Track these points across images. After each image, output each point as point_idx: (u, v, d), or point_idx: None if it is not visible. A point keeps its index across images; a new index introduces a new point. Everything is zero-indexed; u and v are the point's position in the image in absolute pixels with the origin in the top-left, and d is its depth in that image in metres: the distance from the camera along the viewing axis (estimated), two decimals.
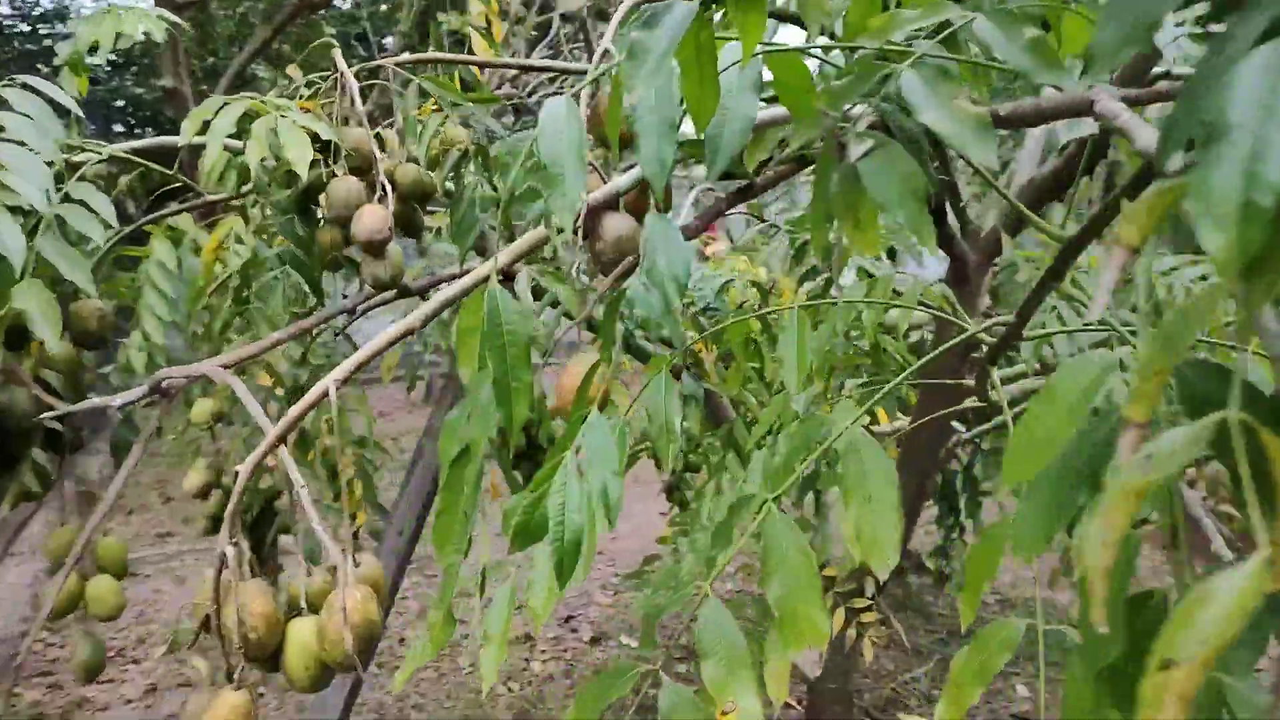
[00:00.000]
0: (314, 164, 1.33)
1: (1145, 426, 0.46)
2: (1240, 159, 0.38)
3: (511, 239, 1.75)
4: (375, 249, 1.37)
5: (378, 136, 1.48)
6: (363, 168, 1.45)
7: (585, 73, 1.57)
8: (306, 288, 1.46)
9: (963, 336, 1.03)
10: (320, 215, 1.55)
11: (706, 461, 2.58)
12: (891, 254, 2.24)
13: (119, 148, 1.46)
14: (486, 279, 1.01)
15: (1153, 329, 0.45)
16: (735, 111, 0.79)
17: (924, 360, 1.07)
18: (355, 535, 2.32)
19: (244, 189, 1.59)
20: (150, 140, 1.41)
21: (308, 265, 1.48)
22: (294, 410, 0.95)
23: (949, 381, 1.54)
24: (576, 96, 0.80)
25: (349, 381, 1.72)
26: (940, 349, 1.11)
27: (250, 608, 0.93)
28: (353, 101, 1.40)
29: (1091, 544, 0.44)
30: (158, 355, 1.64)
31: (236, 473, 2.30)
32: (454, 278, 1.83)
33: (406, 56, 1.59)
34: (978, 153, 0.60)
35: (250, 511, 2.17)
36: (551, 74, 1.98)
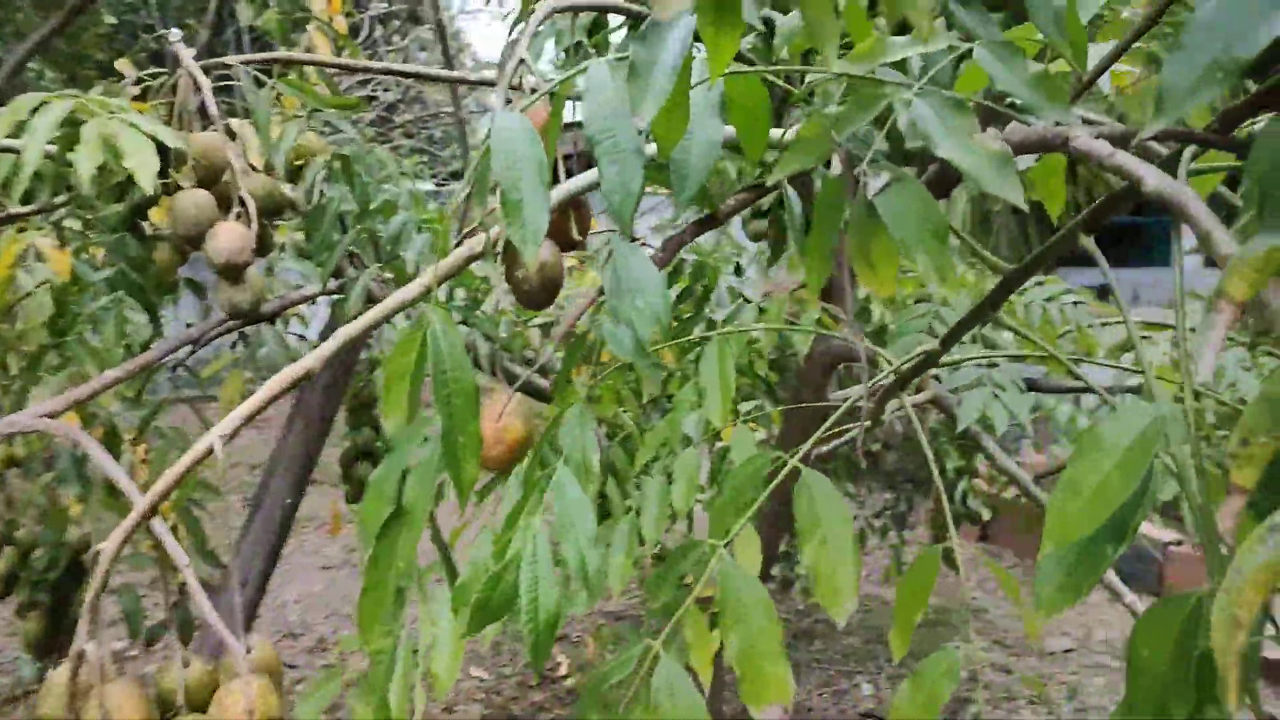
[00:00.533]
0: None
1: (1249, 492, 0.44)
2: None
3: (378, 257, 1.61)
4: (234, 272, 1.20)
5: (230, 135, 1.30)
6: (210, 178, 1.27)
7: (486, 82, 1.46)
8: (144, 315, 1.27)
9: (892, 369, 1.01)
10: (152, 232, 1.36)
11: None
12: (738, 269, 2.26)
13: None
14: (401, 307, 0.90)
15: (1258, 397, 0.43)
16: (701, 135, 0.73)
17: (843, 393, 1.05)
18: (181, 590, 2.06)
19: (56, 200, 1.36)
20: None
21: (143, 289, 1.28)
22: (170, 474, 0.79)
23: (835, 403, 1.54)
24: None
25: (182, 401, 1.51)
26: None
27: (120, 715, 0.77)
28: (203, 103, 1.22)
29: (1222, 624, 0.41)
30: None
31: (32, 534, 1.99)
32: (306, 299, 1.66)
33: (260, 56, 1.42)
34: (1001, 189, 0.57)
35: (53, 569, 1.88)
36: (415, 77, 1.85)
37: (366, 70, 1.53)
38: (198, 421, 1.67)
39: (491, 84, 1.47)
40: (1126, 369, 1.40)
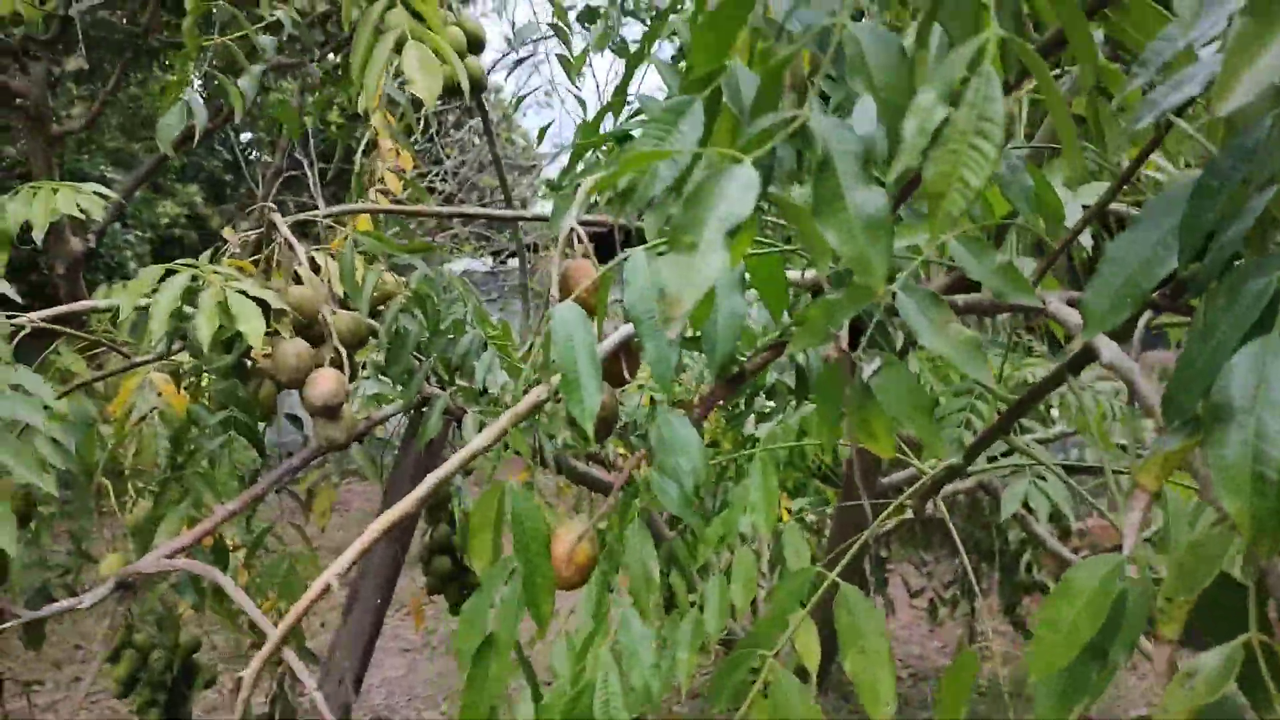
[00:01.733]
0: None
1: (1174, 644, 0.54)
2: (1247, 440, 0.47)
3: (450, 375, 1.76)
4: (331, 413, 1.36)
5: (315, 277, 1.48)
6: (305, 324, 1.45)
7: (541, 217, 1.62)
8: (251, 450, 1.44)
9: (926, 479, 1.12)
10: (253, 368, 1.53)
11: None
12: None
13: (42, 315, 1.41)
14: (480, 452, 1.04)
15: (1176, 564, 0.53)
16: (726, 309, 0.86)
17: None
18: (281, 685, 2.21)
19: (174, 350, 1.55)
20: (70, 306, 1.37)
21: (251, 429, 1.45)
22: (296, 609, 0.94)
23: (883, 500, 1.64)
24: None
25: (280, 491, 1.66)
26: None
27: None
28: (299, 263, 1.40)
29: None
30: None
31: (149, 638, 2.16)
32: (386, 419, 1.82)
33: (339, 209, 1.61)
34: (973, 371, 0.68)
35: (170, 670, 2.05)
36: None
37: (437, 214, 1.71)
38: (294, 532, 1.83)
39: (544, 219, 1.64)
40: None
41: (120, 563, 1.99)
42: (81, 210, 1.26)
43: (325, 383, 1.35)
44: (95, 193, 1.29)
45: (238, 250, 1.52)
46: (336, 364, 1.38)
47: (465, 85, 1.37)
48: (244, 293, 1.30)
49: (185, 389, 1.62)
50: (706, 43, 0.70)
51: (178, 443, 1.52)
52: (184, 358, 1.74)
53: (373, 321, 1.69)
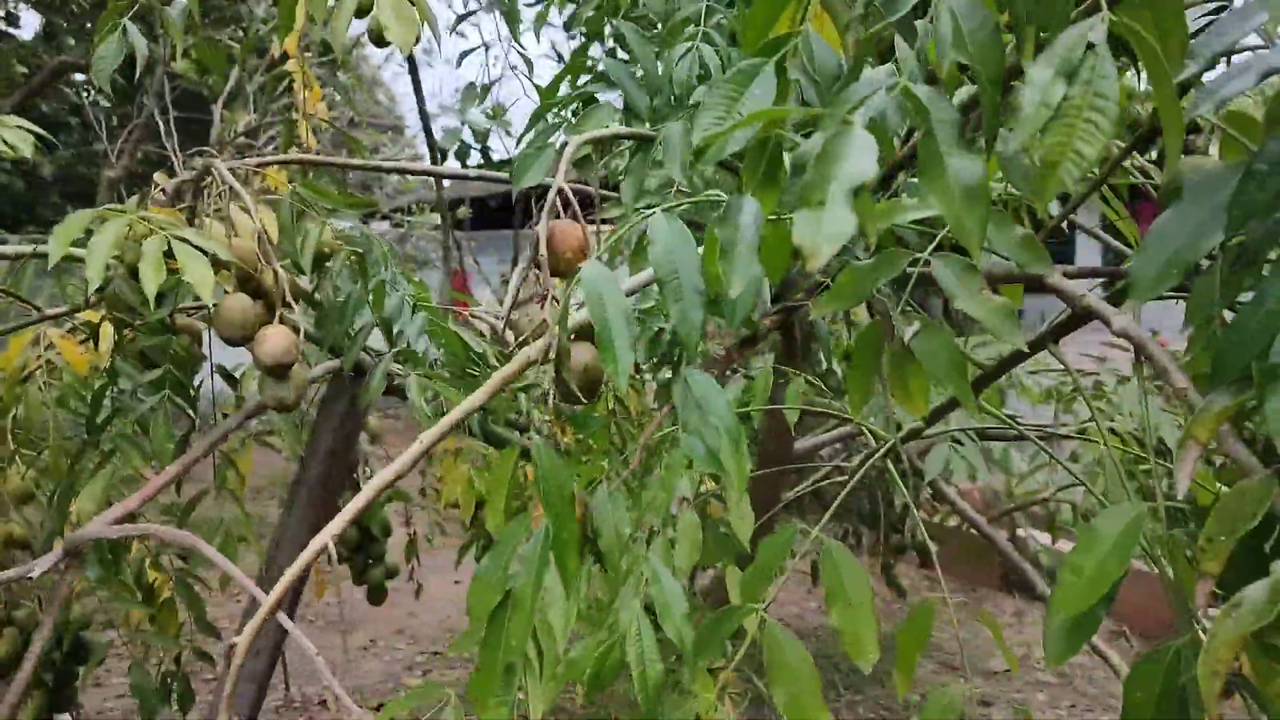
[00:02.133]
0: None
1: (1214, 578, 0.60)
2: None
3: (389, 340, 1.71)
4: (281, 372, 1.30)
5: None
6: (245, 278, 1.37)
7: (496, 178, 1.59)
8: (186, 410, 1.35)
9: (885, 448, 1.18)
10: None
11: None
12: None
13: None
14: (475, 408, 1.03)
15: (1218, 508, 0.59)
16: (744, 274, 0.88)
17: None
18: (177, 660, 2.10)
19: (91, 301, 1.44)
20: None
21: (186, 387, 1.37)
22: (290, 572, 0.90)
23: (816, 462, 1.72)
24: (609, 258, 0.85)
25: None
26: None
27: None
28: (246, 212, 1.33)
29: (1205, 674, 0.57)
30: None
31: (33, 614, 2.02)
32: (320, 381, 1.76)
33: (275, 158, 1.53)
34: (1007, 336, 0.73)
35: (59, 648, 1.91)
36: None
37: (377, 169, 1.64)
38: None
39: (505, 181, 1.61)
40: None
41: (2, 534, 1.83)
42: (9, 146, 1.15)
43: (276, 340, 1.28)
44: (20, 127, 1.17)
45: (163, 197, 1.42)
46: (286, 322, 1.32)
47: (434, 33, 1.32)
48: (188, 242, 1.22)
49: (88, 344, 1.50)
50: (763, 13, 0.72)
51: (95, 403, 1.41)
52: (90, 314, 1.62)
53: (307, 285, 1.62)
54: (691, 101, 1.31)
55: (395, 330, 1.69)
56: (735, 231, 0.73)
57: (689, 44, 1.36)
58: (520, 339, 1.15)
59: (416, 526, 2.92)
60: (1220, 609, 0.57)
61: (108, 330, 1.49)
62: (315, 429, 1.94)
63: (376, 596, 2.67)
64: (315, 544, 0.91)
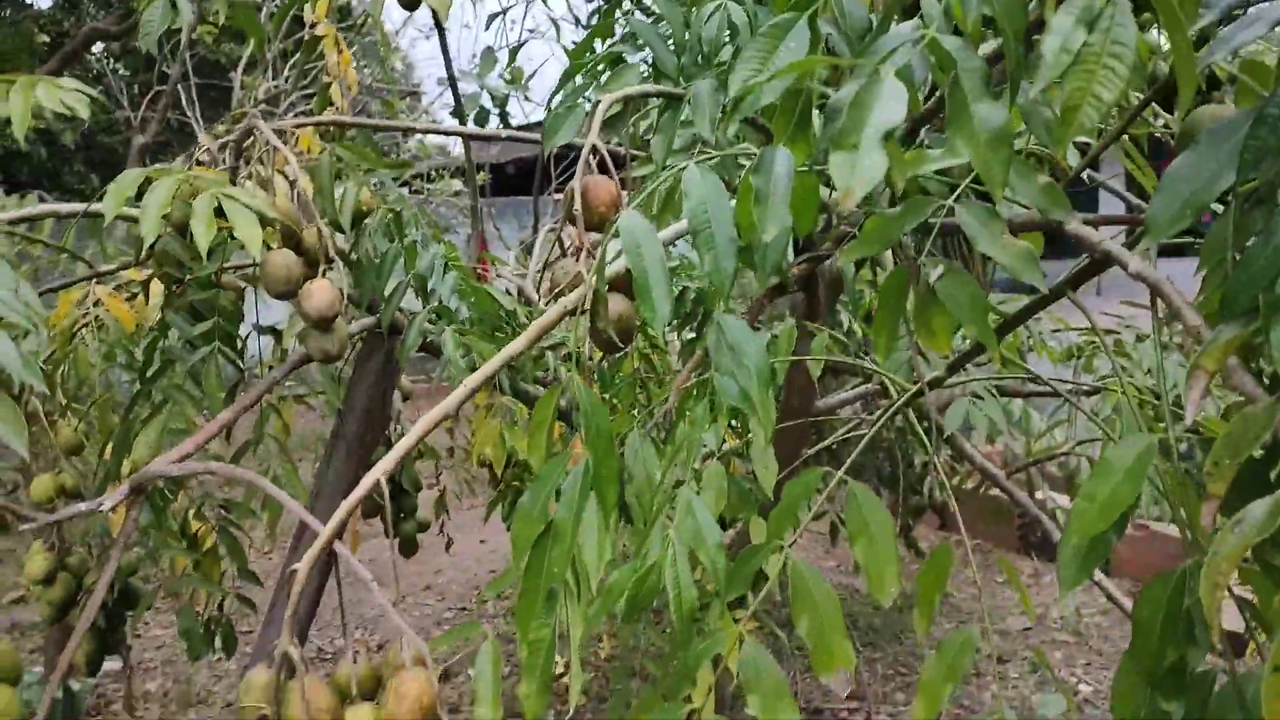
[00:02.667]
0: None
1: (1220, 499, 0.64)
2: None
3: (424, 298, 1.77)
4: (326, 324, 1.36)
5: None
6: (289, 236, 1.42)
7: (528, 139, 1.63)
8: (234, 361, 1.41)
9: (909, 394, 1.22)
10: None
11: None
12: None
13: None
14: (513, 356, 1.08)
15: (1224, 434, 0.63)
16: (775, 224, 0.92)
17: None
18: (220, 605, 2.19)
19: (142, 258, 1.50)
20: (40, 208, 1.31)
21: (233, 339, 1.43)
22: (344, 507, 0.96)
23: (862, 419, 1.76)
24: (651, 215, 0.90)
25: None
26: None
27: (317, 705, 0.93)
28: (288, 173, 1.37)
29: (1207, 587, 0.61)
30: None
31: (83, 559, 2.09)
32: (360, 336, 1.81)
33: (314, 119, 1.57)
34: (1028, 277, 0.77)
35: (110, 592, 1.99)
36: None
37: (411, 130, 1.68)
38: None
39: (534, 141, 1.65)
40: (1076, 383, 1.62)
41: (51, 485, 1.91)
42: (67, 108, 1.19)
43: (322, 293, 1.34)
44: (78, 90, 1.22)
45: (208, 158, 1.47)
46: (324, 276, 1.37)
47: None
48: (236, 199, 1.27)
49: (135, 300, 1.56)
50: None
51: (148, 355, 1.47)
52: (134, 273, 1.68)
53: (342, 243, 1.67)
54: (719, 60, 1.34)
55: (429, 288, 1.74)
56: (769, 179, 0.77)
57: (717, 3, 1.38)
58: (555, 291, 1.20)
59: (446, 484, 3.00)
60: (1223, 525, 0.62)
61: (157, 286, 1.55)
62: (351, 386, 2.00)
63: (408, 549, 2.74)
64: (369, 480, 0.97)
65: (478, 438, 2.02)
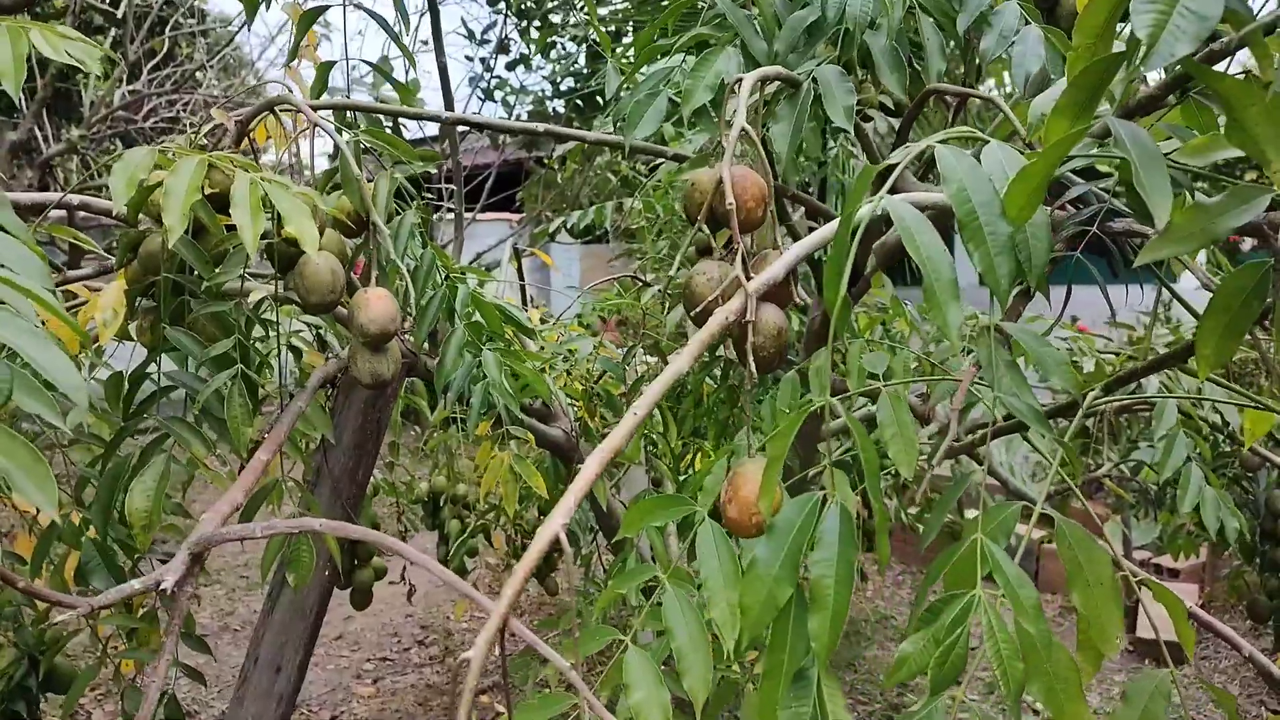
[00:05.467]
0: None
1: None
2: None
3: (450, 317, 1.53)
4: (382, 342, 1.13)
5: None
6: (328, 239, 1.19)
7: (655, 150, 1.43)
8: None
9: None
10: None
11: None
12: None
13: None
14: (675, 378, 0.89)
15: None
16: (1039, 218, 0.79)
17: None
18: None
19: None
20: (37, 196, 1.03)
21: (250, 360, 1.16)
22: (521, 569, 0.74)
23: None
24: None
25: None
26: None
27: None
28: (347, 159, 1.14)
29: None
30: None
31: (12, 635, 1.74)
32: None
33: (332, 101, 1.34)
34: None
35: (34, 674, 1.63)
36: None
37: (434, 119, 1.46)
38: None
39: (615, 144, 1.45)
40: None
41: None
42: (74, 59, 0.93)
43: (381, 305, 1.10)
44: (84, 41, 0.95)
45: (221, 133, 1.21)
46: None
47: None
48: (284, 187, 1.03)
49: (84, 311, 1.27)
50: None
51: (134, 383, 1.19)
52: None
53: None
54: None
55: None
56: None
57: None
58: (699, 301, 1.02)
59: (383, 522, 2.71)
60: None
61: (115, 297, 1.26)
62: (334, 416, 1.73)
63: (361, 600, 2.45)
64: (546, 533, 0.76)
65: (485, 472, 1.78)
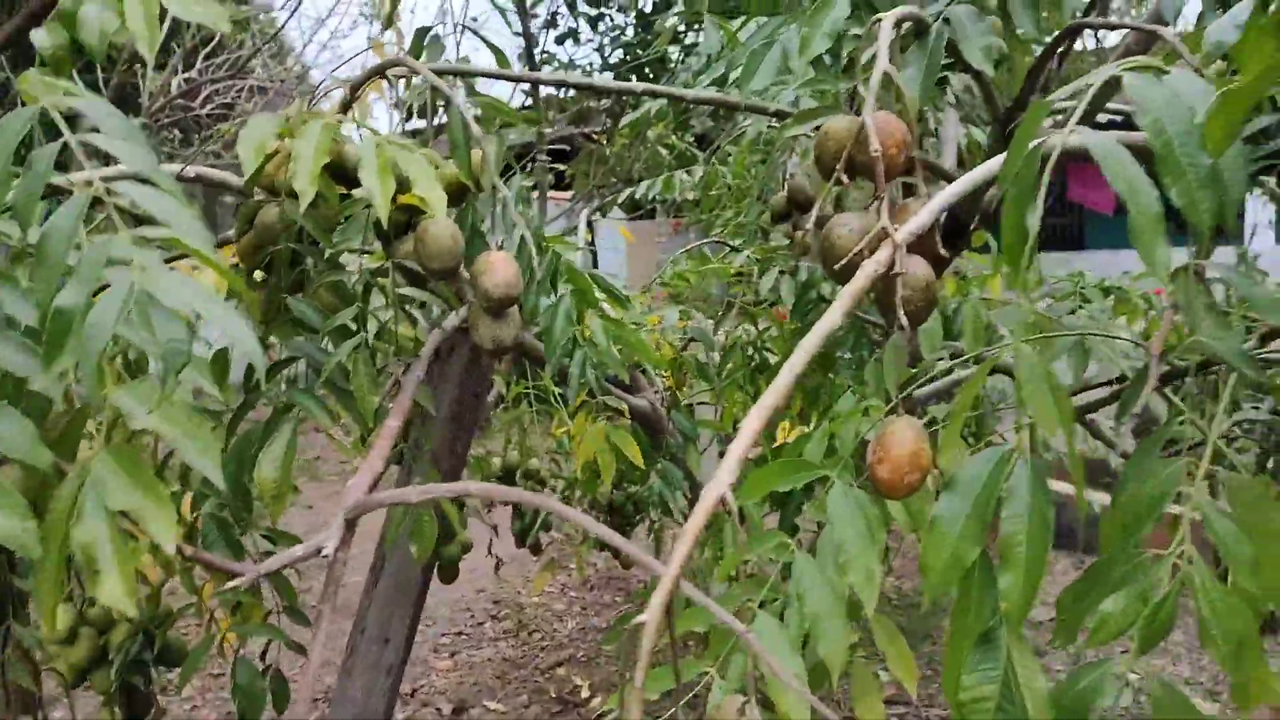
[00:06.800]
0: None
1: None
2: None
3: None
4: (505, 306, 1.11)
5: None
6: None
7: (761, 109, 1.39)
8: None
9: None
10: None
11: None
12: None
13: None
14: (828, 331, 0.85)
15: None
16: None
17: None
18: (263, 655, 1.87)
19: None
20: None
21: (393, 334, 1.16)
22: (690, 531, 0.72)
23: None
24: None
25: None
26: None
27: None
28: (465, 126, 1.11)
29: None
30: None
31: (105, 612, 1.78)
32: None
33: (451, 66, 1.32)
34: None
35: (149, 647, 1.66)
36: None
37: (540, 81, 1.44)
38: None
39: (763, 110, 1.41)
40: None
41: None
42: (204, 18, 0.91)
43: (505, 268, 1.08)
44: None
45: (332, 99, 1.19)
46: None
47: None
48: (413, 150, 1.01)
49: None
50: None
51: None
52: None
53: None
54: None
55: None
56: None
57: None
58: (841, 255, 0.98)
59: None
60: None
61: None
62: (432, 389, 1.73)
63: (449, 574, 2.47)
64: (713, 494, 0.73)
65: (582, 444, 1.77)
